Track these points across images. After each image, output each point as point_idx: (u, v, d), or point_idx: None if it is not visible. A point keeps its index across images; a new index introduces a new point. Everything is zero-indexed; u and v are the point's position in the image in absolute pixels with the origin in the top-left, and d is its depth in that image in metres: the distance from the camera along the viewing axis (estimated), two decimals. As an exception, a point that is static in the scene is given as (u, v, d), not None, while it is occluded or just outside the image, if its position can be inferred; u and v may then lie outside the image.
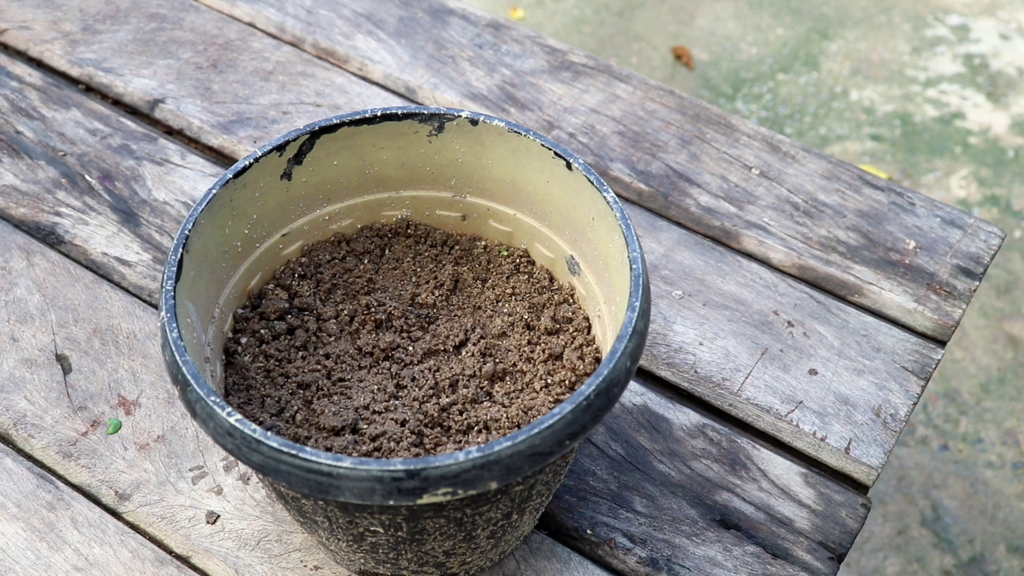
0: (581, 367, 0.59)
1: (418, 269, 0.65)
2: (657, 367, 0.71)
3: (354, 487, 0.45)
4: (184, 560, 0.61)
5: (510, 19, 1.42)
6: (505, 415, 0.56)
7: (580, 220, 0.60)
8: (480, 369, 0.59)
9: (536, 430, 0.46)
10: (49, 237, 0.77)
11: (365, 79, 0.91)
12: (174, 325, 0.50)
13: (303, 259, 0.64)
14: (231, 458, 0.65)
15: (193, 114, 0.87)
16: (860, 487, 0.67)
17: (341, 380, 0.59)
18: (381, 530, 0.51)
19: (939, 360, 0.73)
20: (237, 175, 0.57)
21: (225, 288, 0.59)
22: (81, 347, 0.71)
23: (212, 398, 0.47)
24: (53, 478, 0.64)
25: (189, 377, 0.48)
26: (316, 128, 0.59)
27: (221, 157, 0.84)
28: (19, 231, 0.78)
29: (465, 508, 0.50)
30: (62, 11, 0.95)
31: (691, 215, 0.81)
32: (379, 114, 0.60)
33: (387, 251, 0.65)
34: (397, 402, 0.58)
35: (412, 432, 0.55)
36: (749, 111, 1.80)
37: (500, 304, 0.63)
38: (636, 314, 0.50)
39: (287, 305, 0.61)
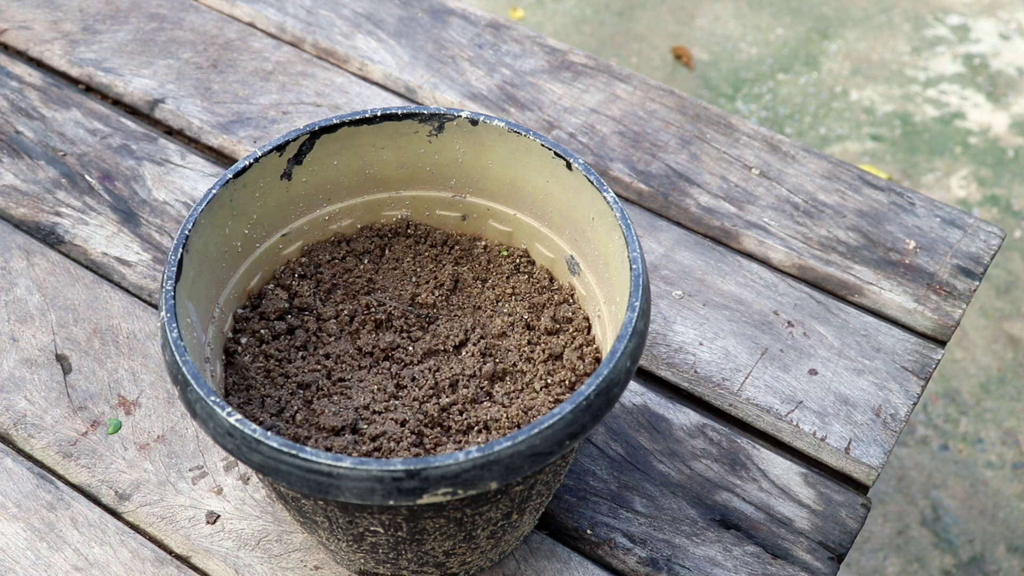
0: (581, 367, 0.59)
1: (418, 269, 0.65)
2: (657, 367, 0.71)
3: (354, 487, 0.45)
4: (184, 560, 0.61)
5: (510, 19, 1.42)
6: (505, 415, 0.56)
7: (580, 220, 0.60)
8: (480, 369, 0.59)
9: (536, 430, 0.46)
10: (49, 237, 0.77)
11: (365, 79, 0.91)
12: (174, 325, 0.50)
13: (303, 259, 0.64)
14: (231, 458, 0.65)
15: (193, 114, 0.87)
16: (860, 487, 0.67)
17: (341, 380, 0.59)
18: (381, 530, 0.51)
19: (939, 360, 0.73)
20: (237, 175, 0.57)
21: (225, 288, 0.59)
22: (81, 347, 0.71)
23: (212, 398, 0.47)
24: (53, 478, 0.64)
25: (189, 377, 0.48)
26: (316, 128, 0.59)
27: (221, 157, 0.84)
28: (19, 231, 0.78)
29: (465, 508, 0.50)
30: (62, 11, 0.95)
31: (691, 215, 0.81)
32: (379, 114, 0.60)
33: (387, 251, 0.65)
34: (397, 402, 0.58)
35: (412, 432, 0.55)
36: (749, 111, 1.80)
37: (500, 304, 0.63)
38: (636, 314, 0.50)
39: (287, 305, 0.61)
